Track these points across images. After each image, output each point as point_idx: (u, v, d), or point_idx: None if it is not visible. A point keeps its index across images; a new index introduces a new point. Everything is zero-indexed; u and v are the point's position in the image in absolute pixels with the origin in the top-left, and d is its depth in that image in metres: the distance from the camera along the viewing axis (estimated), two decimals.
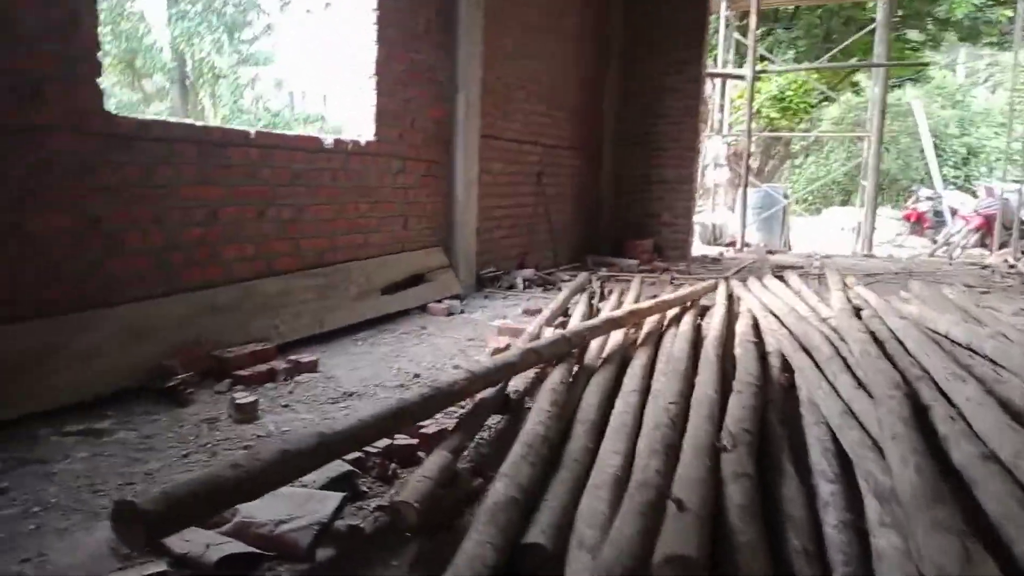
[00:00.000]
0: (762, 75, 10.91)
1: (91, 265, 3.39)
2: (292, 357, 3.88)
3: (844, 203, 18.59)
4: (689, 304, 4.81)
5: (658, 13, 8.56)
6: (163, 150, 3.68)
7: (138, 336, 3.49)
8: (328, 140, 4.79)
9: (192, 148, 3.84)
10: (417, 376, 3.80)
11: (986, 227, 11.53)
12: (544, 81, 7.46)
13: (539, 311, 5.34)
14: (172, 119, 3.83)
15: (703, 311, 4.86)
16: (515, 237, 7.13)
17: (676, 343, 3.59)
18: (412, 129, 5.60)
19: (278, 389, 3.51)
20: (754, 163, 16.91)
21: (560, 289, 6.42)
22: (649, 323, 4.19)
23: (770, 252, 9.94)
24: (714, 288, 5.42)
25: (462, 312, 5.41)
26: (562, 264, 7.87)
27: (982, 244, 11.59)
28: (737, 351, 3.45)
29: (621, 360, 3.46)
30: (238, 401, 3.13)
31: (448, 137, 5.97)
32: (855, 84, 17.04)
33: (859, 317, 4.20)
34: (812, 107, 15.88)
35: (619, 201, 8.86)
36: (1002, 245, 11.19)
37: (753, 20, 9.59)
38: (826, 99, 16.70)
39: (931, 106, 18.21)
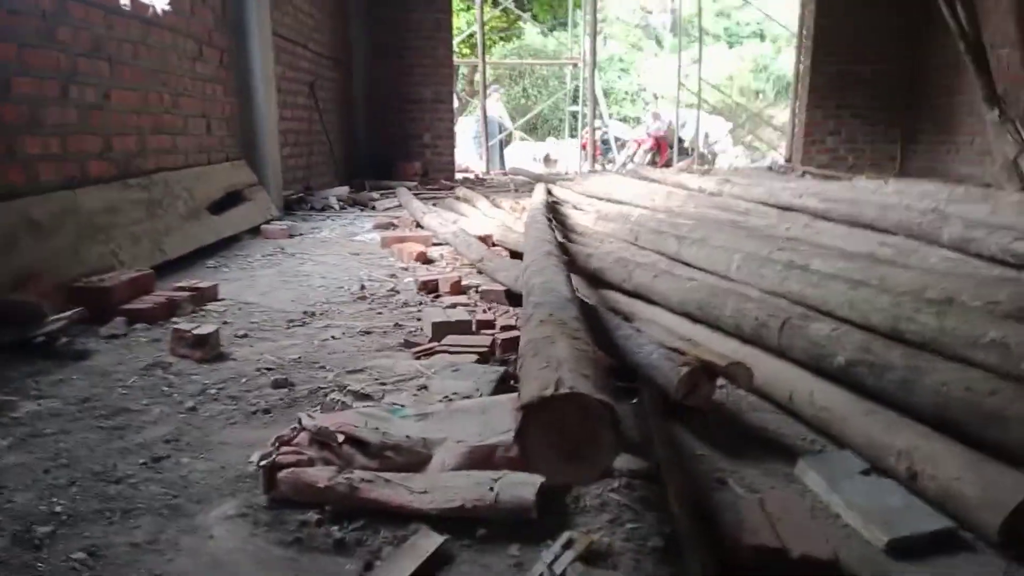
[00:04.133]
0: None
1: None
2: (181, 284, 2.78)
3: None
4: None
5: None
6: None
7: None
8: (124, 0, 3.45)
9: None
10: (363, 288, 3.03)
11: (656, 147, 13.50)
12: None
13: (391, 225, 4.73)
14: None
15: None
16: (299, 157, 6.13)
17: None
18: (203, 4, 4.35)
19: (196, 322, 2.47)
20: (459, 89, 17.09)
21: (375, 208, 5.76)
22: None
23: (516, 174, 10.25)
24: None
25: (303, 235, 4.48)
26: (336, 186, 7.04)
27: (652, 162, 13.54)
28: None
29: None
30: (196, 332, 2.12)
31: (237, 21, 4.79)
32: (520, 29, 18.26)
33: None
34: (493, 44, 16.56)
35: (376, 121, 8.18)
36: (668, 162, 13.20)
37: None
38: (501, 39, 17.63)
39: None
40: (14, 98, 2.65)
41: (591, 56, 10.42)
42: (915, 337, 1.66)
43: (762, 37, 21.10)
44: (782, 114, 11.92)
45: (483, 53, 10.12)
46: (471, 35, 13.98)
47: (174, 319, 2.51)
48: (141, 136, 3.58)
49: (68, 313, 2.20)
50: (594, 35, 10.39)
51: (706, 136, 13.39)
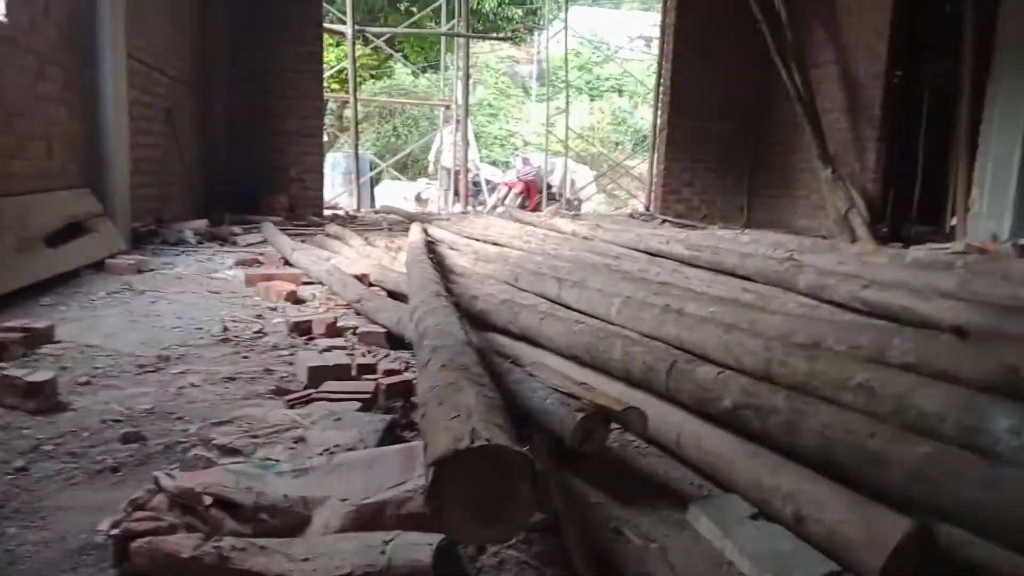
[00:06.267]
0: (360, 35, 10.83)
1: None
2: (10, 324, 2.45)
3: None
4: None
5: None
6: None
7: None
8: None
9: None
10: (227, 330, 2.81)
11: (525, 191, 13.84)
12: None
13: (255, 262, 4.47)
14: None
15: None
16: (152, 187, 5.68)
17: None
18: (45, 17, 3.97)
19: (29, 368, 2.17)
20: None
21: (237, 243, 5.44)
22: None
23: (388, 213, 10.07)
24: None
25: (154, 270, 4.12)
26: (192, 219, 6.59)
27: (522, 205, 13.86)
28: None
29: None
30: (29, 380, 1.85)
31: (87, 39, 4.41)
32: (391, 68, 18.31)
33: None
34: (363, 81, 16.43)
35: (240, 152, 7.78)
36: (536, 206, 13.57)
37: None
38: (372, 77, 17.55)
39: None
40: None
41: (464, 100, 10.56)
42: (787, 380, 1.73)
43: (620, 92, 22.38)
44: (641, 165, 12.62)
45: (354, 90, 9.99)
46: (342, 71, 13.82)
47: (1, 364, 2.19)
48: None
49: None
50: (467, 80, 10.55)
51: (572, 183, 13.91)
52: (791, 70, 6.97)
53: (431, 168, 14.82)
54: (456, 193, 15.40)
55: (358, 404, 1.85)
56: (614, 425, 1.70)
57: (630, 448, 1.77)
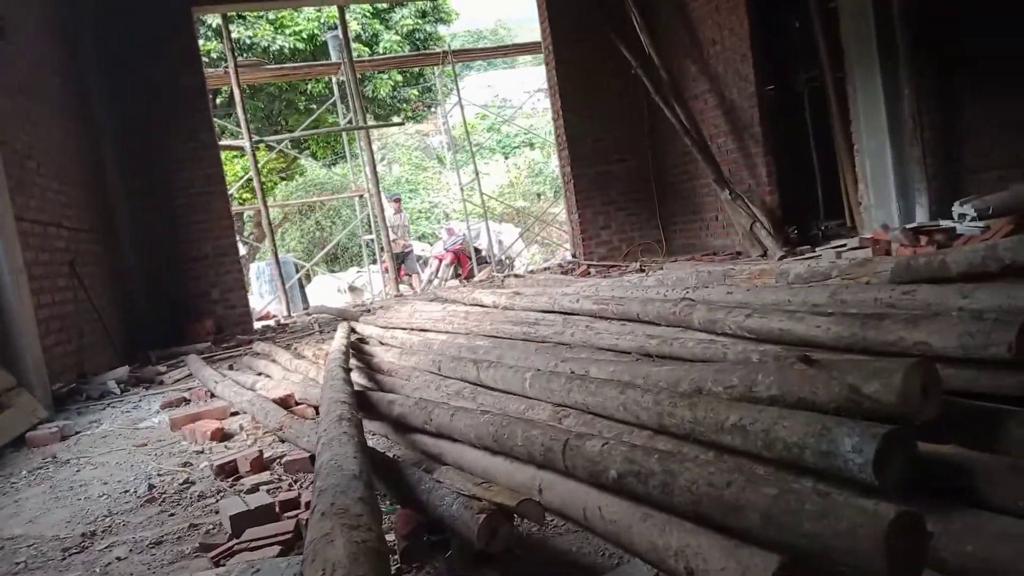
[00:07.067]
0: (259, 145, 10.90)
1: None
2: None
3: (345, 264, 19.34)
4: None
5: (151, 81, 7.82)
6: None
7: None
8: None
9: None
10: (152, 487, 2.77)
11: (456, 260, 13.99)
12: (51, 153, 6.08)
13: (182, 401, 4.43)
14: None
15: None
16: (67, 343, 5.59)
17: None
18: None
19: None
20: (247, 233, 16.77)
21: (163, 383, 5.37)
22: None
23: (320, 313, 10.03)
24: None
25: (79, 433, 4.04)
26: (116, 365, 6.47)
27: (456, 275, 14.00)
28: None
29: None
30: None
31: None
32: (301, 166, 18.49)
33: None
34: (275, 184, 16.51)
35: (155, 286, 7.71)
36: (470, 273, 13.73)
37: (237, 93, 9.61)
38: (283, 179, 17.67)
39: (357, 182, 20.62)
40: None
41: (375, 188, 10.74)
42: (677, 430, 1.84)
43: (532, 145, 23.01)
44: (562, 213, 12.99)
45: (263, 199, 10.06)
46: (250, 180, 13.92)
47: None
48: None
49: None
50: (374, 168, 10.75)
51: (500, 243, 14.16)
52: (672, 106, 7.37)
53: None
54: (391, 277, 15.40)
55: (279, 548, 1.87)
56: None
57: (548, 529, 1.84)
